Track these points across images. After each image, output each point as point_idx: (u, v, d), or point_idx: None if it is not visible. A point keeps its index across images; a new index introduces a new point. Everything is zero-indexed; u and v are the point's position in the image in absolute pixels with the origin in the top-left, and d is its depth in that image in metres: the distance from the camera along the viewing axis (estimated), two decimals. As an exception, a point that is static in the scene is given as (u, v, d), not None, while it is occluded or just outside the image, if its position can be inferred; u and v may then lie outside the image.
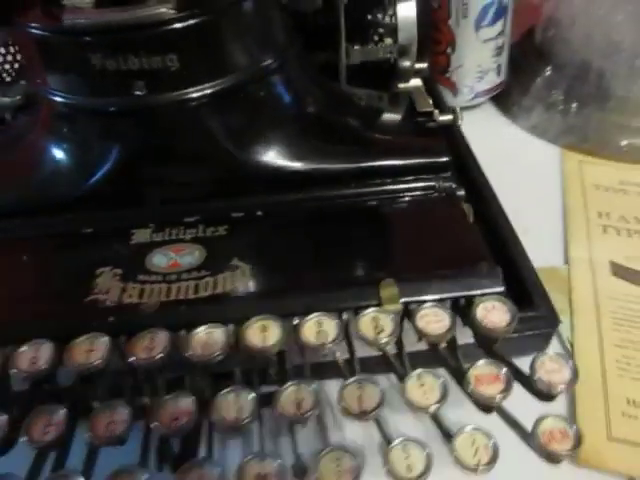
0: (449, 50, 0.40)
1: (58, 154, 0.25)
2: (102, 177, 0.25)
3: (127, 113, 0.23)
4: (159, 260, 0.23)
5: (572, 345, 0.27)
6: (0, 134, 0.28)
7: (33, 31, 0.23)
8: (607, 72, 0.38)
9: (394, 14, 0.29)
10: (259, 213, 0.26)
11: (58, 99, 0.24)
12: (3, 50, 0.29)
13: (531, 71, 0.42)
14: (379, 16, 0.29)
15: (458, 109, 0.29)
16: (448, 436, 0.18)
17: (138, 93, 0.23)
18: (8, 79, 0.30)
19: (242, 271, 0.23)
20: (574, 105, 0.39)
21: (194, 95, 0.24)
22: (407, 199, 0.26)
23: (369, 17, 0.29)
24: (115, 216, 0.25)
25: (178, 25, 0.22)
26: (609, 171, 0.38)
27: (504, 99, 0.43)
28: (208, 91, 0.24)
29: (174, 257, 0.24)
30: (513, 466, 0.19)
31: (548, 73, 0.41)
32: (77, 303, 0.22)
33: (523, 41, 0.44)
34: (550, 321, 0.24)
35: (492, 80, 0.42)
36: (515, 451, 0.18)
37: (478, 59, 0.40)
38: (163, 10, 0.21)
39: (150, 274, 0.23)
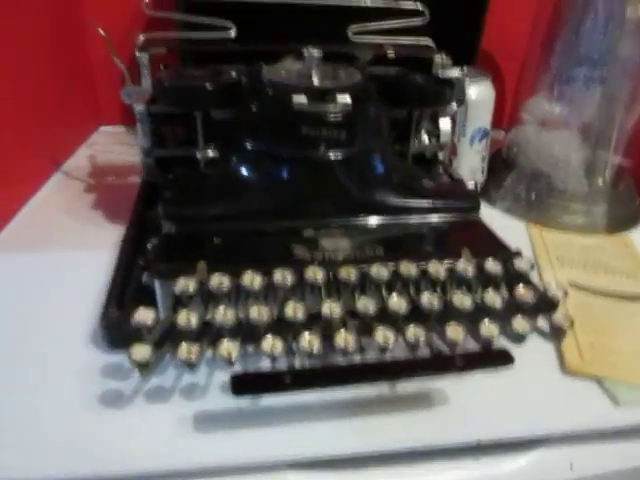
0: (453, 157, 0.62)
1: (256, 184, 0.44)
2: (283, 199, 0.43)
3: (311, 161, 0.43)
4: (326, 243, 0.41)
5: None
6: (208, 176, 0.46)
7: (258, 110, 0.42)
8: (552, 175, 0.62)
9: (437, 125, 0.52)
10: (373, 226, 0.44)
11: (261, 150, 0.43)
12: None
13: (502, 174, 0.65)
14: (430, 125, 0.52)
15: (478, 182, 0.50)
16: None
17: (321, 150, 0.42)
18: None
19: (378, 249, 0.41)
20: (533, 195, 0.63)
21: (344, 154, 0.44)
22: (460, 223, 0.45)
23: (422, 125, 0.51)
24: (290, 223, 0.43)
25: (349, 115, 0.42)
26: (559, 236, 0.60)
27: (484, 191, 0.66)
28: (349, 153, 0.44)
29: (334, 243, 0.42)
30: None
31: (514, 175, 0.64)
32: (291, 259, 0.39)
33: (496, 155, 0.68)
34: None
35: (478, 178, 0.65)
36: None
37: (471, 164, 0.63)
38: (345, 107, 0.41)
39: (325, 250, 0.40)
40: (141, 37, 0.49)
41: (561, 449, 0.40)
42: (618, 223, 0.61)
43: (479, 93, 0.60)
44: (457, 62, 0.60)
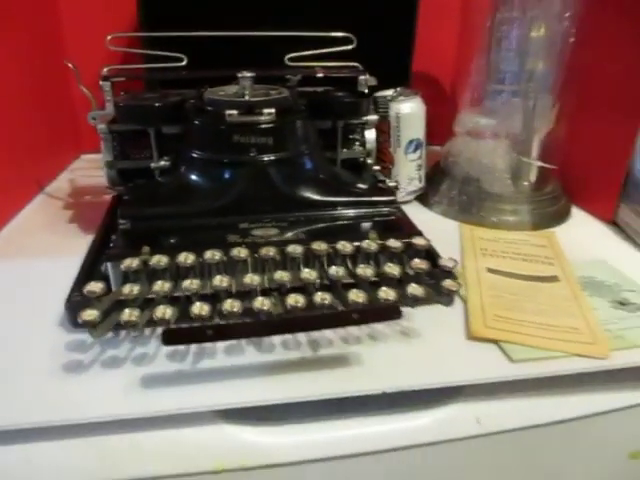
0: (390, 165, 0.71)
1: (201, 187, 0.52)
2: (223, 198, 0.51)
3: (244, 164, 0.51)
4: (257, 232, 0.49)
5: (467, 297, 0.53)
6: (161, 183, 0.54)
7: (199, 124, 0.51)
8: (481, 179, 0.70)
9: (363, 134, 0.60)
10: (301, 219, 0.52)
11: (203, 157, 0.52)
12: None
13: (439, 181, 0.73)
14: (357, 135, 0.60)
15: (399, 182, 0.58)
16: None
17: (252, 155, 0.51)
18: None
19: (301, 236, 0.49)
20: (464, 198, 0.70)
21: (274, 158, 0.52)
22: (379, 215, 0.53)
23: (351, 136, 0.60)
24: (228, 218, 0.51)
25: (274, 125, 0.50)
26: (488, 232, 0.67)
27: (424, 197, 0.74)
28: (278, 157, 0.52)
29: (264, 232, 0.49)
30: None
31: (448, 181, 0.72)
32: (224, 243, 0.46)
33: (435, 165, 0.76)
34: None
35: (416, 185, 0.73)
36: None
37: (407, 172, 0.71)
38: (270, 117, 0.50)
39: (255, 237, 0.48)
40: (105, 69, 0.58)
41: (468, 405, 0.46)
42: (544, 220, 0.69)
43: (410, 108, 0.68)
44: (391, 84, 0.69)
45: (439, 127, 0.75)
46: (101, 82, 0.56)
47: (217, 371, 0.44)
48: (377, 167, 0.62)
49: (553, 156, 0.70)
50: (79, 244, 0.61)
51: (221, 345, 0.45)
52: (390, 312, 0.40)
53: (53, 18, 0.79)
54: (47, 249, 0.61)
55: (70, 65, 0.56)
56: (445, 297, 0.44)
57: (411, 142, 0.69)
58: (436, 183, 0.73)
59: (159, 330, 0.46)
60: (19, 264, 0.58)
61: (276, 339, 0.46)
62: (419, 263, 0.45)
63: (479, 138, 0.71)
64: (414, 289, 0.43)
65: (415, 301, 0.43)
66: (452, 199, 0.71)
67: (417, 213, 0.69)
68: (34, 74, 0.73)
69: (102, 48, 0.60)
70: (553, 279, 0.58)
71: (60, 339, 0.47)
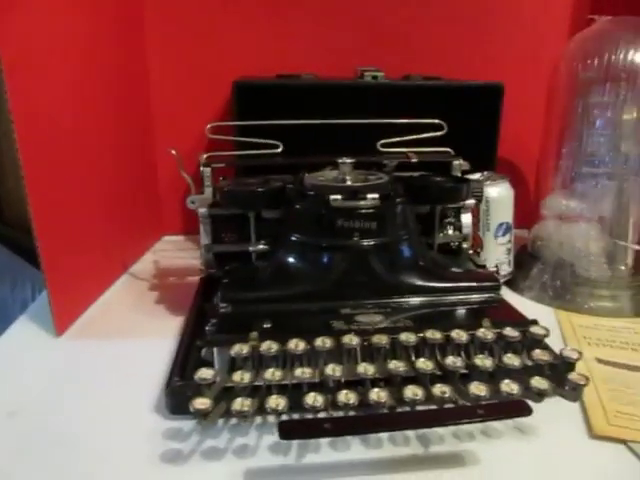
0: (479, 249, 0.69)
1: (301, 270, 0.52)
2: (324, 283, 0.51)
3: (346, 249, 0.50)
4: (361, 318, 0.48)
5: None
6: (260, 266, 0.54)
7: (301, 208, 0.51)
8: (575, 264, 0.67)
9: (458, 219, 0.59)
10: (404, 305, 0.51)
11: (304, 241, 0.52)
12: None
13: (528, 265, 0.71)
14: (450, 219, 0.59)
15: (498, 267, 0.57)
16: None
17: (354, 239, 0.50)
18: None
19: (406, 323, 0.47)
20: (557, 283, 0.68)
21: (375, 243, 0.51)
22: (482, 302, 0.51)
23: (447, 220, 0.59)
24: (329, 303, 0.50)
25: (378, 210, 0.50)
26: (587, 320, 0.64)
27: (512, 282, 0.71)
28: (379, 241, 0.51)
29: (369, 318, 0.48)
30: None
31: (539, 266, 0.70)
32: (330, 329, 0.45)
33: (522, 249, 0.74)
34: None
35: (506, 269, 0.71)
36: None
37: (497, 256, 0.70)
38: (374, 202, 0.50)
39: (360, 323, 0.47)
40: (204, 156, 0.60)
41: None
42: (645, 306, 0.65)
43: (499, 192, 0.68)
44: (478, 168, 0.69)
45: (522, 211, 0.74)
46: (202, 168, 0.58)
47: (322, 467, 0.41)
48: (471, 251, 0.61)
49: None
50: (165, 325, 0.61)
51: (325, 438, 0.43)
52: (519, 408, 0.37)
53: (145, 109, 0.84)
54: (134, 330, 0.61)
55: (173, 152, 0.58)
56: (571, 392, 0.41)
57: (500, 225, 0.68)
58: (525, 267, 0.71)
59: (258, 419, 0.45)
60: (106, 345, 0.58)
61: (383, 433, 0.44)
62: (541, 354, 0.42)
63: (569, 221, 0.69)
64: (539, 382, 0.40)
65: (540, 395, 0.40)
66: (544, 284, 0.68)
67: (507, 298, 0.67)
68: (126, 159, 0.76)
69: (191, 136, 0.62)
70: (669, 371, 0.54)
71: (156, 425, 0.46)
